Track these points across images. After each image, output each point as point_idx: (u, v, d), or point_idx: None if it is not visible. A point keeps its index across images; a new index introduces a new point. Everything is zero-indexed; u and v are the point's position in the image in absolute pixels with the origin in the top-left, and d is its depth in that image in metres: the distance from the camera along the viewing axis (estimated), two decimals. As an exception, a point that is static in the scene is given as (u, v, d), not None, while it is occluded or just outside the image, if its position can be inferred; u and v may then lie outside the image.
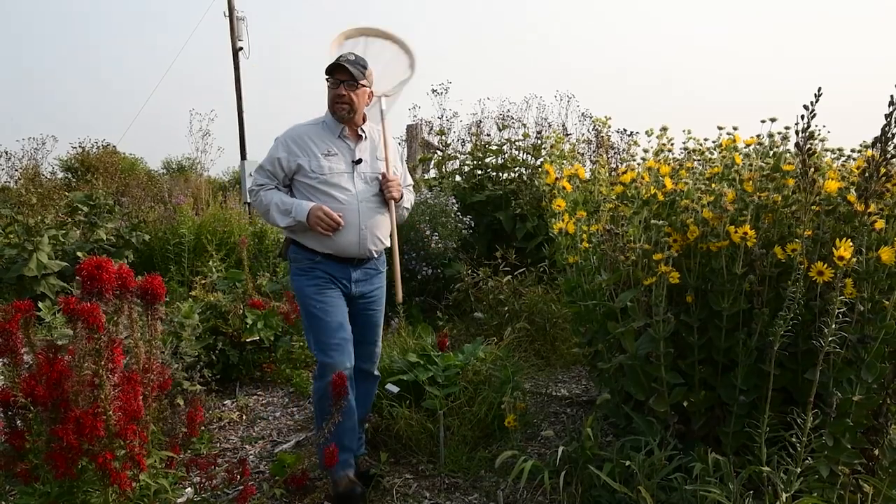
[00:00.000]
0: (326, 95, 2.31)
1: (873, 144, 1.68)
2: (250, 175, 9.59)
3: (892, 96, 1.63)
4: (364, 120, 2.38)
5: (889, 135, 1.66)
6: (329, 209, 2.21)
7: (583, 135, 6.01)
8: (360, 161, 2.32)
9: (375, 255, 2.41)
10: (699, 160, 2.42)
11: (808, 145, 1.59)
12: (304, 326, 2.41)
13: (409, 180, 2.58)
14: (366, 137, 2.37)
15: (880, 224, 1.78)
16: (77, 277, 1.44)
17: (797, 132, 1.64)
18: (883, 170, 1.70)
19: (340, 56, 2.26)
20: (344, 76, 2.24)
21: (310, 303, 2.29)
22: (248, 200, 2.45)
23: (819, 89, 1.55)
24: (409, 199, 2.53)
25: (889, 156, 1.69)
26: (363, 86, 2.28)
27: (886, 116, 1.66)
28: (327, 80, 2.28)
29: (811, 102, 1.56)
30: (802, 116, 1.57)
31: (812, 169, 1.65)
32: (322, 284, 2.30)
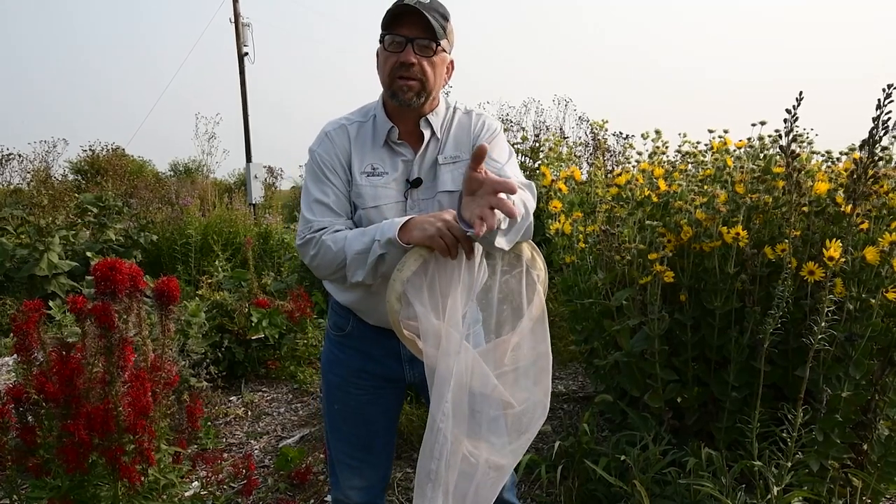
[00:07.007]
0: (379, 68, 1.34)
1: (861, 147, 1.72)
2: (255, 177, 9.62)
3: (878, 100, 1.66)
4: (436, 103, 1.39)
5: (877, 137, 1.69)
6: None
7: (580, 138, 6.07)
8: (418, 182, 1.36)
9: None
10: (693, 162, 2.46)
11: (791, 148, 1.63)
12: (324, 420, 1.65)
13: (511, 174, 1.34)
14: (433, 135, 1.38)
15: (865, 225, 1.81)
16: (88, 277, 1.50)
17: (780, 136, 1.67)
18: (870, 172, 1.73)
19: None
20: (415, 30, 1.27)
21: (328, 397, 1.54)
22: (306, 260, 1.34)
23: (801, 93, 1.58)
24: (520, 205, 1.19)
25: (876, 158, 1.72)
26: (443, 50, 1.31)
27: (874, 119, 1.69)
28: (383, 37, 1.30)
29: (793, 106, 1.59)
30: (785, 120, 1.61)
31: (796, 171, 1.68)
32: (348, 375, 1.48)
